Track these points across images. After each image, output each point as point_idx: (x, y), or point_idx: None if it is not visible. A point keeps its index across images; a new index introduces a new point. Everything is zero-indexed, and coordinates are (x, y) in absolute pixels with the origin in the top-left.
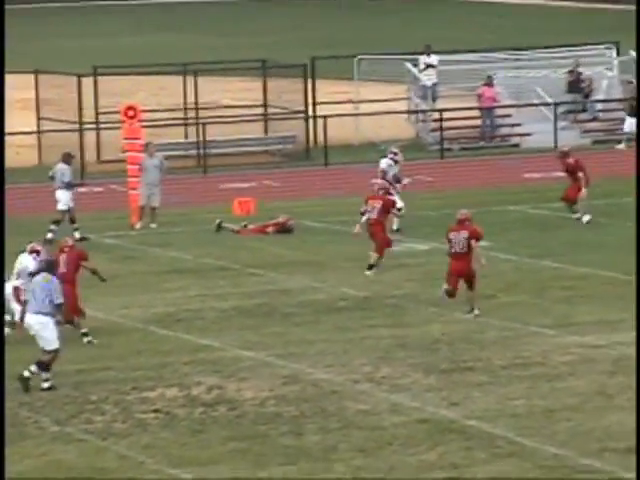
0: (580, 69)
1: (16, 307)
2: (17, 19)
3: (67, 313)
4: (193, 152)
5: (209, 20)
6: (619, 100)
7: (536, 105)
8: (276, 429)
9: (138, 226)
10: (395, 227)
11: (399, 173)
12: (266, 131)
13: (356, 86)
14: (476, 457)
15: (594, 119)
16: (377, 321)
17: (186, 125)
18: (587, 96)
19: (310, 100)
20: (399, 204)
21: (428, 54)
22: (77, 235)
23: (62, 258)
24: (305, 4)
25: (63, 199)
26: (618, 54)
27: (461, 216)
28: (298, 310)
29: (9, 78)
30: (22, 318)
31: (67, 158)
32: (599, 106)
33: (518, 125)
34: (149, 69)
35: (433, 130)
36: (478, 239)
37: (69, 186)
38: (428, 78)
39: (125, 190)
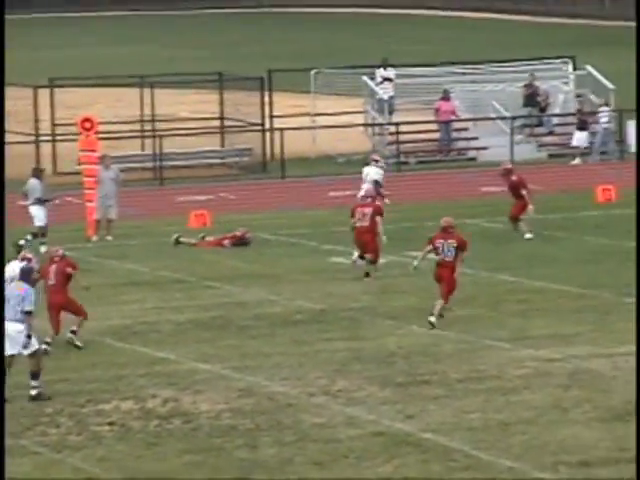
0: (536, 83)
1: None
2: None
3: (57, 323)
4: (150, 164)
5: (166, 33)
6: (575, 114)
7: (493, 119)
8: (231, 442)
9: (94, 238)
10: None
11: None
12: (223, 144)
13: (313, 99)
14: (432, 470)
15: (550, 133)
16: (333, 334)
17: (143, 137)
18: (543, 110)
19: (267, 113)
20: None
21: (385, 67)
22: (43, 249)
23: (52, 269)
24: (262, 17)
25: (38, 215)
26: (574, 68)
27: (445, 223)
28: (254, 323)
29: None
30: None
31: (36, 173)
32: (555, 120)
33: (475, 139)
34: (106, 81)
35: (390, 143)
36: (464, 249)
37: (40, 202)
38: (385, 91)
39: (81, 202)
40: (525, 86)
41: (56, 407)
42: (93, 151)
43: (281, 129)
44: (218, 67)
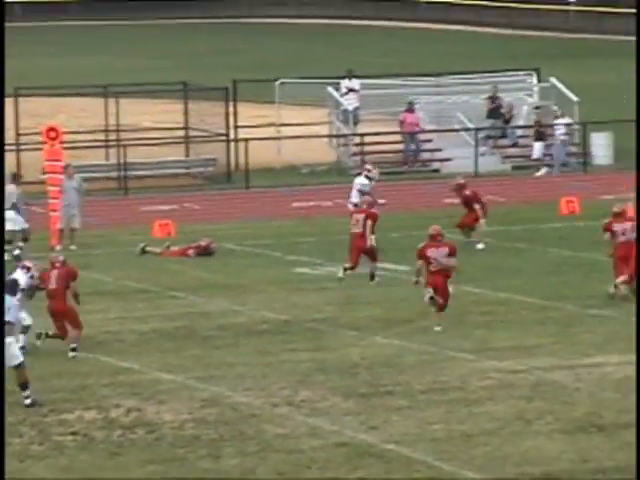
0: (500, 95)
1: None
2: None
3: (62, 327)
4: (114, 174)
5: (131, 42)
6: (533, 126)
7: (457, 130)
8: (194, 452)
9: (58, 248)
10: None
11: (372, 191)
12: (187, 154)
13: (278, 109)
14: None
15: (514, 145)
16: (297, 345)
17: (107, 147)
18: (508, 122)
19: (232, 123)
20: None
21: (350, 78)
22: (16, 252)
23: (53, 274)
24: (227, 27)
25: (17, 218)
26: (539, 81)
27: (434, 232)
28: (218, 333)
29: None
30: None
31: (13, 178)
32: (519, 132)
33: (439, 150)
34: (71, 90)
35: (354, 154)
36: (455, 255)
37: (14, 207)
38: (349, 102)
39: (45, 212)
40: (488, 98)
41: (19, 417)
42: (58, 160)
43: (246, 139)
44: (183, 77)
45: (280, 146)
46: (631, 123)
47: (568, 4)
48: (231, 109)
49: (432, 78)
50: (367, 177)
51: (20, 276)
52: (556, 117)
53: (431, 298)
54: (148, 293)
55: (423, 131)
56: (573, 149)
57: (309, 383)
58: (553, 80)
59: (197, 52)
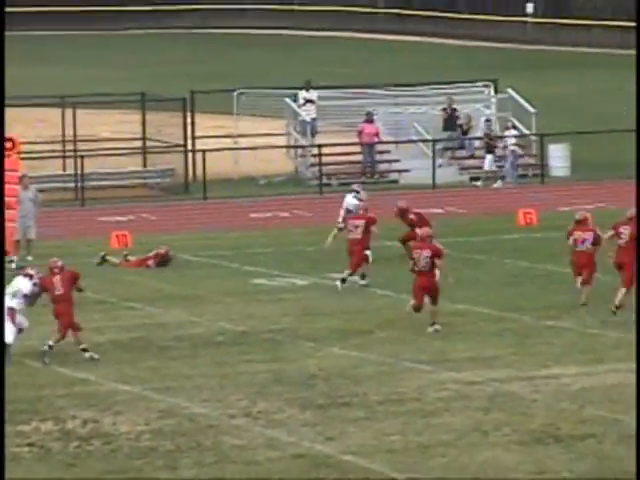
0: (455, 106)
1: (9, 328)
2: None
3: (62, 329)
4: (71, 185)
5: (88, 53)
6: (483, 138)
7: (414, 142)
8: (151, 463)
9: (15, 259)
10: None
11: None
12: (145, 164)
13: (235, 120)
14: None
15: (472, 156)
16: (254, 356)
17: (64, 157)
18: (465, 133)
19: (189, 134)
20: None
21: (307, 89)
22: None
23: (56, 280)
24: (185, 38)
25: None
26: (496, 92)
27: (422, 233)
28: (175, 344)
29: None
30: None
31: None
32: (477, 144)
33: (397, 161)
34: (27, 101)
35: (312, 165)
36: (440, 257)
37: None
38: (307, 113)
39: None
40: (443, 110)
41: None
42: (15, 171)
43: (203, 150)
44: (140, 87)
45: (238, 157)
46: (589, 135)
47: (525, 15)
48: (189, 120)
49: (390, 89)
50: (356, 198)
51: (22, 283)
52: (507, 128)
53: (414, 308)
54: (105, 304)
55: (381, 142)
56: (531, 160)
57: (266, 394)
58: (510, 91)
59: (155, 62)
